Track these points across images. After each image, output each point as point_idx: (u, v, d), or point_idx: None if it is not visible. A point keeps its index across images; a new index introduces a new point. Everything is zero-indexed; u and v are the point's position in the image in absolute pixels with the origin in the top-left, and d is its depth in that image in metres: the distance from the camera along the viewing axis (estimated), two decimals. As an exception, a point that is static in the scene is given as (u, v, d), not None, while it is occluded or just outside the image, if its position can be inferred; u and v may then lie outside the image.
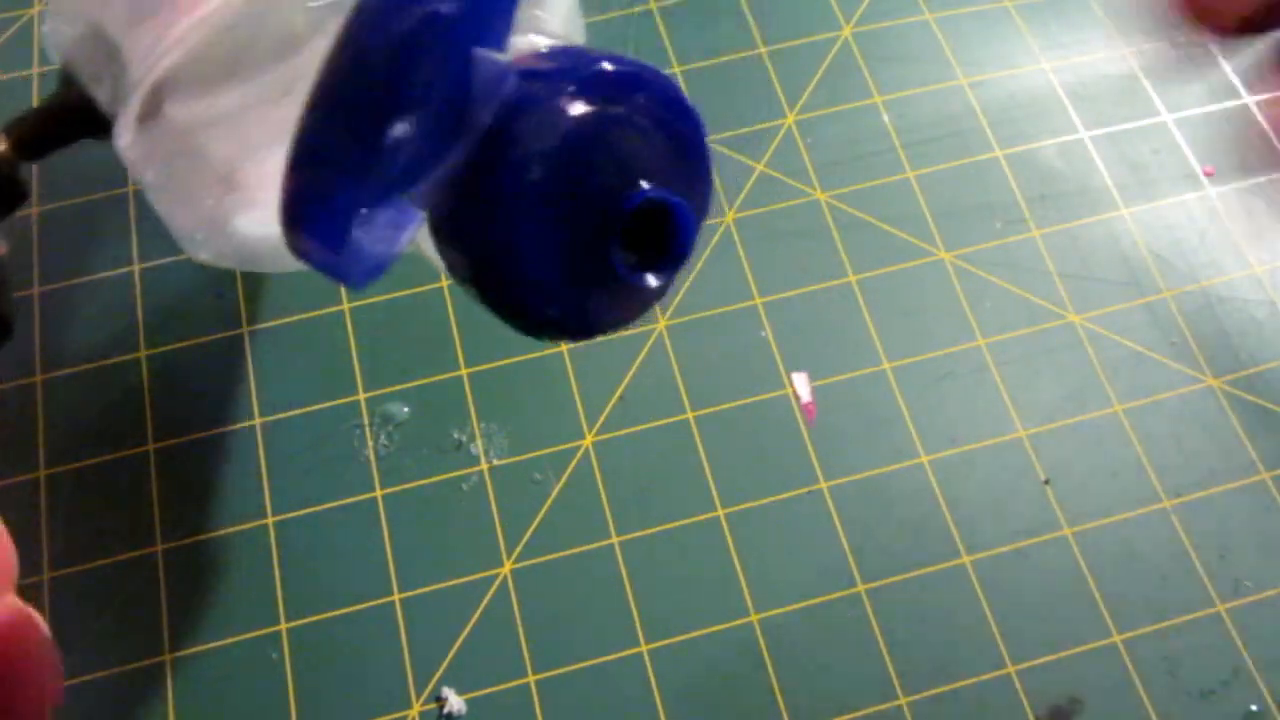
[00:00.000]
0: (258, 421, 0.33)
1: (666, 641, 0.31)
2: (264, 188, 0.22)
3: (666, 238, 0.21)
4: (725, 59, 0.40)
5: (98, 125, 0.24)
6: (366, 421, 0.33)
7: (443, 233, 0.21)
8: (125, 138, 0.23)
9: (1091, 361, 0.35)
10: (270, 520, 0.32)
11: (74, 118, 0.25)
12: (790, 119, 0.39)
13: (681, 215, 0.21)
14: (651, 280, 0.21)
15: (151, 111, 0.23)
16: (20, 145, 0.25)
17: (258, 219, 0.24)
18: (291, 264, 0.21)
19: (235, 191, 0.24)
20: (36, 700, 0.20)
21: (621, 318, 0.22)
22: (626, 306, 0.22)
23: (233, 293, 0.35)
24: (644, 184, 0.21)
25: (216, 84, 0.23)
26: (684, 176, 0.21)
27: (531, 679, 0.30)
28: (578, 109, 0.20)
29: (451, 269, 0.22)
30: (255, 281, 0.35)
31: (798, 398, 0.34)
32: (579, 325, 0.22)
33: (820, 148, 0.38)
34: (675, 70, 0.39)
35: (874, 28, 0.41)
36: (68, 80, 0.24)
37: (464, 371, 0.34)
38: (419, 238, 0.22)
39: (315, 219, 0.20)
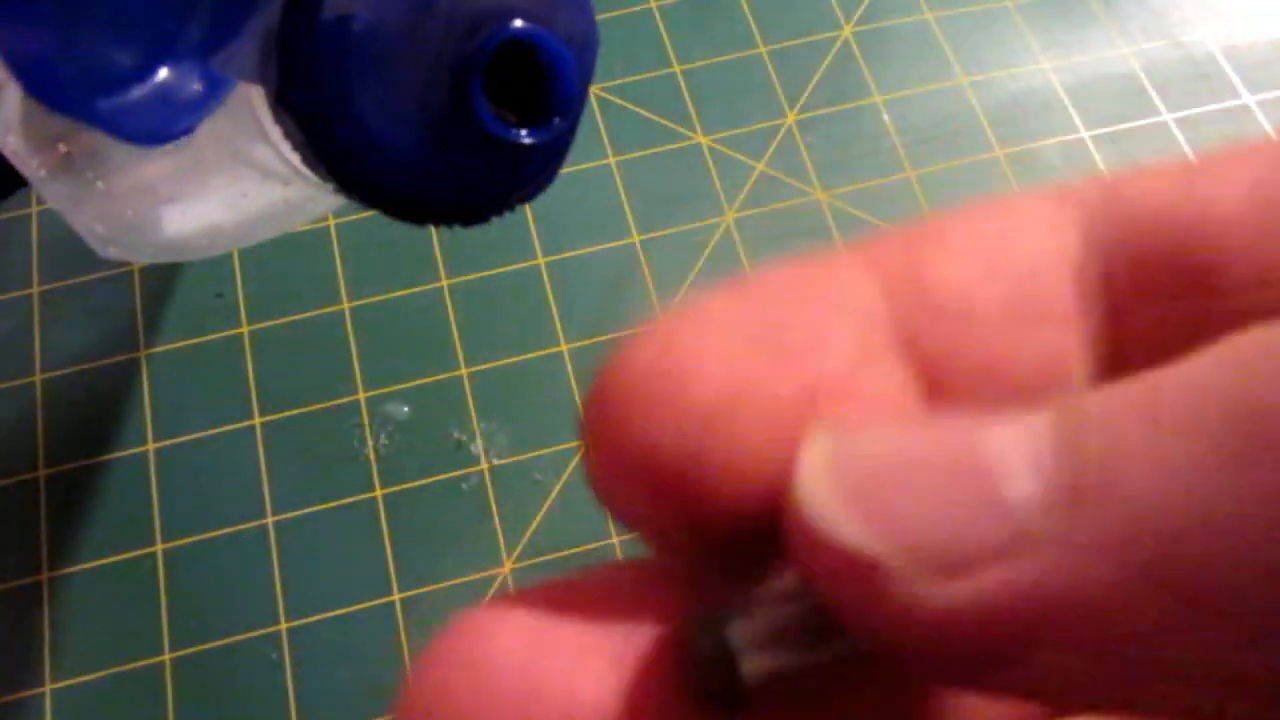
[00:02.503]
0: (257, 421, 0.33)
1: (666, 641, 0.31)
2: (187, 183, 0.21)
3: (546, 88, 0.18)
4: (725, 59, 0.40)
5: (16, 179, 0.23)
6: (366, 421, 0.33)
7: (277, 109, 0.18)
8: (11, 139, 0.22)
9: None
10: (270, 520, 0.32)
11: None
12: (790, 119, 0.39)
13: (556, 54, 0.18)
14: (527, 136, 0.18)
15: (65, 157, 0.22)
16: None
17: (175, 222, 0.23)
18: (209, 252, 0.20)
19: (167, 201, 0.23)
20: None
21: (505, 191, 0.19)
22: (508, 176, 0.19)
23: (233, 293, 0.35)
24: (516, 22, 0.18)
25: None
26: (557, 13, 0.18)
27: (531, 679, 0.30)
28: None
29: (301, 154, 0.19)
30: (255, 281, 0.35)
31: (798, 398, 0.34)
32: (450, 200, 0.19)
33: (820, 148, 0.38)
34: (675, 70, 0.39)
35: (874, 27, 0.41)
36: None
37: (464, 371, 0.34)
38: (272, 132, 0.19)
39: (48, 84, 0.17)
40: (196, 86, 0.18)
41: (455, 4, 0.17)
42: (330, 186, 0.19)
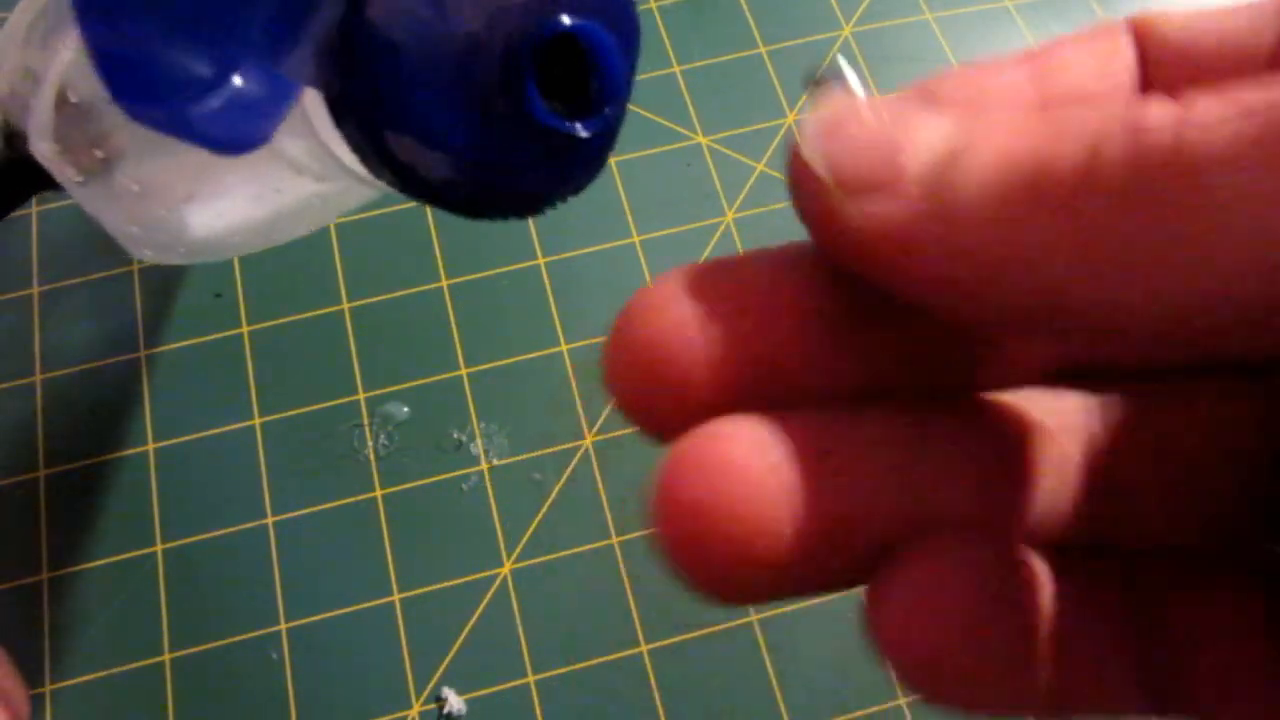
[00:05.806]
0: (257, 421, 0.33)
1: (666, 641, 0.31)
2: (210, 185, 0.22)
3: (593, 81, 0.19)
4: (725, 59, 0.40)
5: (47, 179, 0.23)
6: (366, 421, 0.33)
7: (337, 111, 0.19)
8: (44, 146, 0.22)
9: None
10: (270, 520, 0.32)
11: (21, 174, 0.24)
12: (790, 119, 0.39)
13: (604, 46, 0.19)
14: (581, 129, 0.19)
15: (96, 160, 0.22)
16: None
17: (209, 219, 0.23)
18: (242, 250, 0.20)
19: (191, 200, 0.23)
20: None
21: (559, 182, 0.20)
22: (560, 167, 0.20)
23: (233, 293, 0.35)
24: (564, 17, 0.18)
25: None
26: (602, 9, 0.19)
27: (531, 679, 0.30)
28: None
29: (361, 157, 0.19)
30: (255, 281, 0.35)
31: (798, 398, 0.34)
32: (506, 193, 0.19)
33: (820, 148, 0.38)
34: (675, 70, 0.39)
35: (874, 27, 0.41)
36: (9, 136, 0.24)
37: (464, 371, 0.34)
38: (325, 134, 0.20)
39: (136, 84, 0.18)
40: (266, 93, 0.18)
41: (504, 1, 0.18)
42: (383, 183, 0.20)
